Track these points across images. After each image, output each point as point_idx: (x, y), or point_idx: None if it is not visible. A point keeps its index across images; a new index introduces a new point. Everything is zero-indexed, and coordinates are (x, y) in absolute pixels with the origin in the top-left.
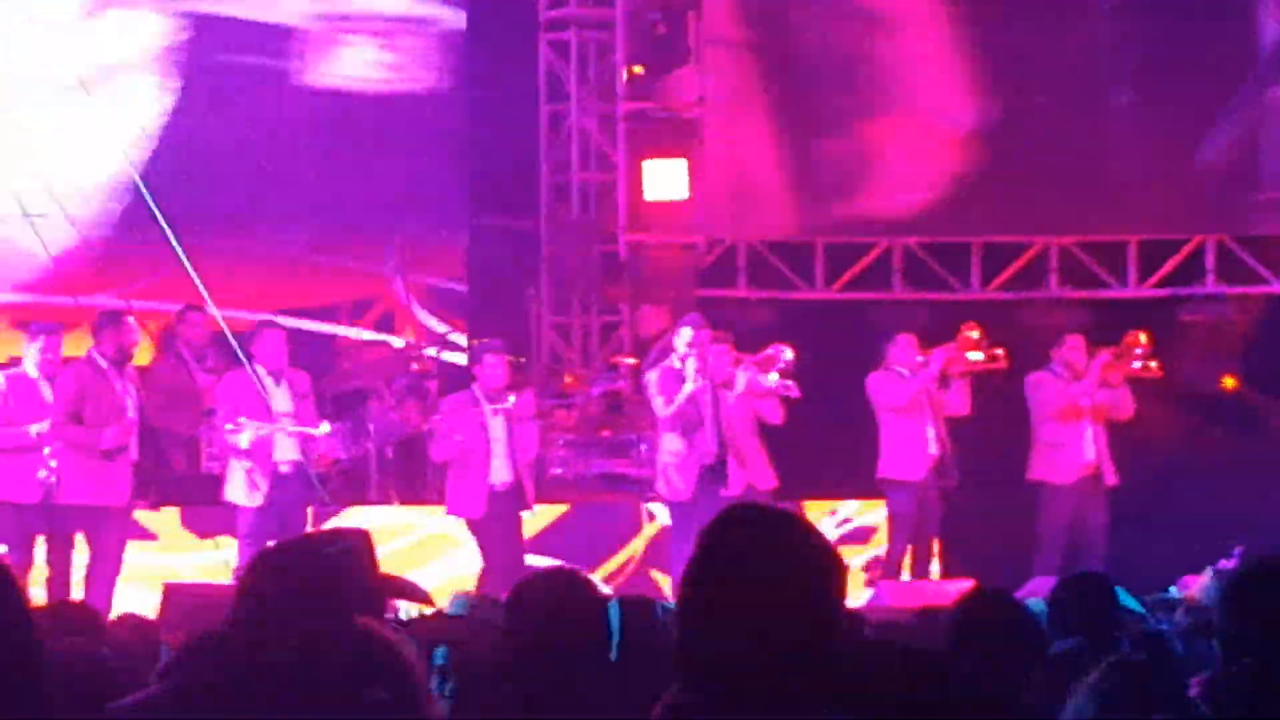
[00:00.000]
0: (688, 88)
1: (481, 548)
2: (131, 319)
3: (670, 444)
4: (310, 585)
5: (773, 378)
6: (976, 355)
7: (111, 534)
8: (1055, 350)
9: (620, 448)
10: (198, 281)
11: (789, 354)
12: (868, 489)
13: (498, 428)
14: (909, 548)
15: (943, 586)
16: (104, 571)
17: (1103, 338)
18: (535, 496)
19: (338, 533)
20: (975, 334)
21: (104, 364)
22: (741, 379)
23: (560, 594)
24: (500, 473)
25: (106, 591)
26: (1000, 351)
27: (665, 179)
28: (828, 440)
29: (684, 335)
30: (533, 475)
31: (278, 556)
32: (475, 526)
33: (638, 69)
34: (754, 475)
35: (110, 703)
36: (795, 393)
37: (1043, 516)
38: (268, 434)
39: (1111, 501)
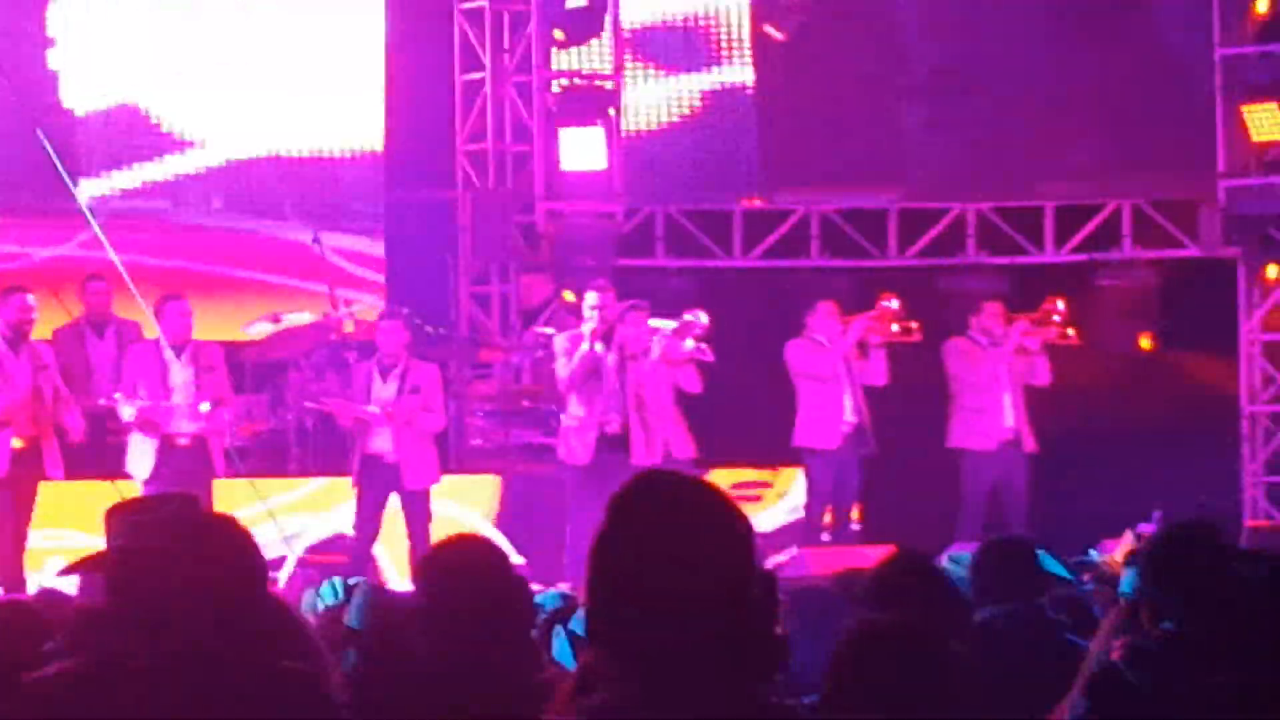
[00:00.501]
0: (606, 57)
1: (356, 514)
2: (30, 296)
3: (572, 408)
4: (221, 552)
5: (688, 344)
6: (894, 326)
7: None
8: (974, 317)
9: (540, 418)
10: (110, 251)
11: (704, 318)
12: (789, 457)
13: (386, 399)
14: (826, 514)
15: (862, 551)
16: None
17: (1020, 303)
18: (437, 473)
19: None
20: (894, 304)
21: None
22: (657, 346)
23: (472, 562)
24: (383, 443)
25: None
26: (915, 325)
27: (583, 148)
28: (748, 408)
29: (589, 299)
30: (433, 451)
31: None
32: (356, 493)
33: (558, 34)
34: (672, 444)
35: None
36: (709, 357)
37: (964, 483)
38: (149, 408)
39: (1031, 466)
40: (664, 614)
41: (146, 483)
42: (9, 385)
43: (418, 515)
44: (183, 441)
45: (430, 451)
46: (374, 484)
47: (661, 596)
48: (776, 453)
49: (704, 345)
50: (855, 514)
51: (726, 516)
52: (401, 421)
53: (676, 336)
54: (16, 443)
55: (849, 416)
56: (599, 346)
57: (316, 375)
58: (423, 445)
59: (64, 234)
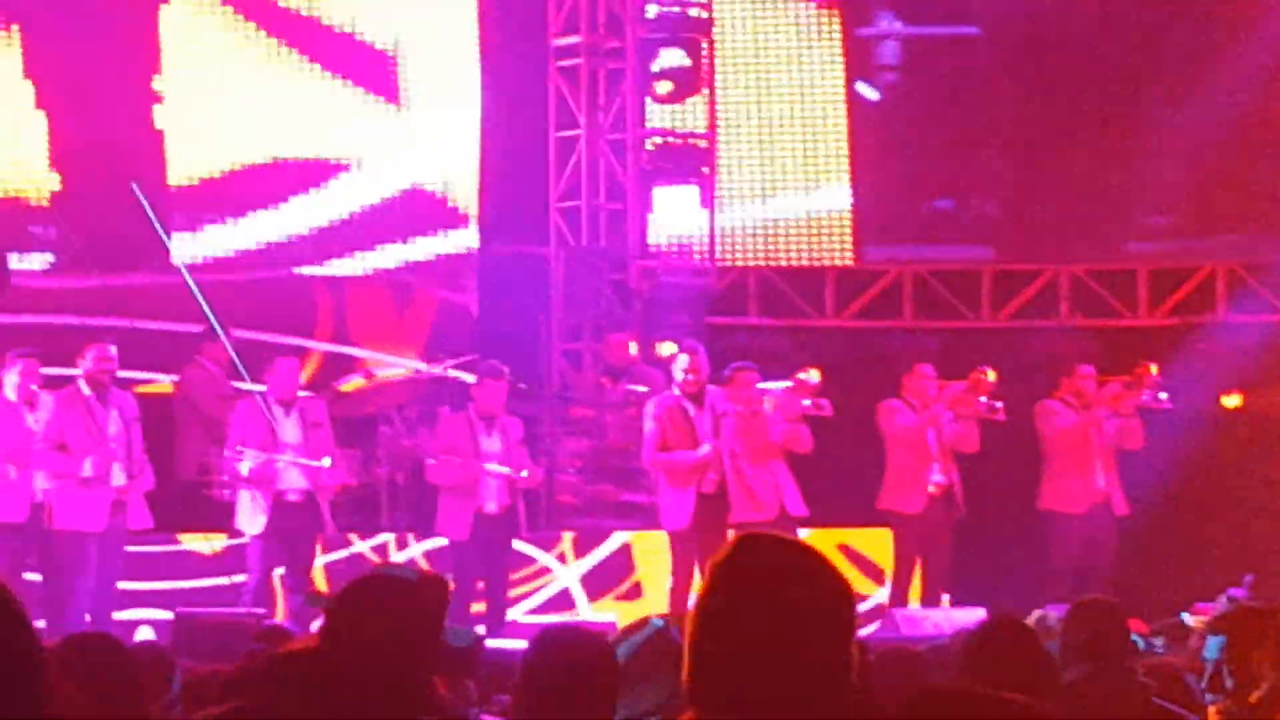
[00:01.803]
0: (701, 116)
1: (460, 571)
2: (112, 347)
3: (666, 476)
4: (403, 621)
5: (805, 402)
6: (983, 398)
7: (91, 559)
8: (1066, 379)
9: (630, 475)
10: (204, 304)
11: (815, 376)
12: (876, 519)
13: (492, 451)
14: (915, 577)
15: (952, 615)
16: (103, 595)
17: (1113, 366)
18: (531, 524)
19: (424, 574)
20: (990, 375)
21: (87, 390)
22: (769, 404)
23: (578, 652)
24: (492, 496)
25: (104, 615)
26: (1000, 405)
27: (677, 206)
28: (839, 469)
29: (680, 362)
30: (526, 501)
31: (372, 589)
32: (460, 550)
33: (664, 87)
34: (787, 501)
35: None
36: (828, 410)
37: (1053, 545)
38: (265, 462)
39: (1122, 529)
40: (764, 677)
41: (260, 538)
42: (102, 439)
43: (506, 568)
44: (293, 498)
45: (524, 502)
46: (479, 539)
47: (761, 660)
48: (864, 515)
49: (821, 401)
50: (943, 577)
51: (827, 580)
52: (516, 474)
53: (793, 395)
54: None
55: (937, 479)
56: (691, 413)
57: (408, 430)
58: (523, 496)
59: (158, 287)
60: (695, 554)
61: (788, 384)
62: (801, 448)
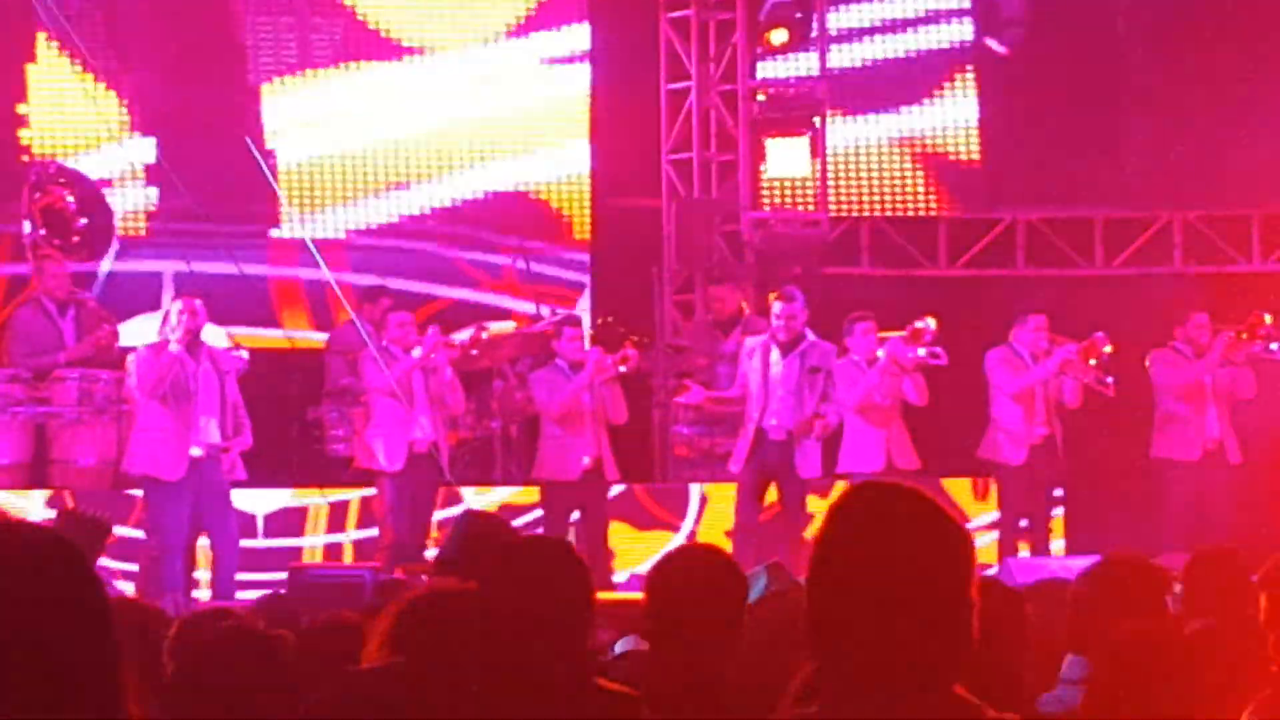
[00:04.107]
0: (812, 65)
1: (555, 516)
2: (198, 302)
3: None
4: (562, 588)
5: (920, 351)
6: (1093, 360)
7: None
8: (1179, 328)
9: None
10: (316, 254)
11: (932, 324)
12: (979, 469)
13: (588, 400)
14: (1020, 526)
15: (1068, 563)
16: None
17: (1226, 314)
18: (620, 473)
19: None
20: (1107, 349)
21: (176, 347)
22: (882, 354)
23: (700, 571)
24: (590, 446)
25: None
26: (1110, 380)
27: (788, 157)
28: (949, 419)
29: (775, 308)
30: (613, 449)
31: (523, 554)
32: (558, 492)
33: (778, 36)
34: (895, 453)
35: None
36: (943, 360)
37: (1168, 494)
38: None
39: (1236, 477)
40: (884, 624)
41: (392, 479)
42: (191, 396)
43: (603, 512)
44: (420, 449)
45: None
46: (584, 488)
47: (880, 606)
48: (968, 465)
49: (936, 350)
50: (1052, 525)
51: (942, 524)
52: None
53: (907, 343)
54: (195, 451)
55: (1040, 430)
56: (775, 358)
57: (520, 384)
58: (610, 445)
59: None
60: (757, 497)
61: (902, 333)
62: (917, 399)
